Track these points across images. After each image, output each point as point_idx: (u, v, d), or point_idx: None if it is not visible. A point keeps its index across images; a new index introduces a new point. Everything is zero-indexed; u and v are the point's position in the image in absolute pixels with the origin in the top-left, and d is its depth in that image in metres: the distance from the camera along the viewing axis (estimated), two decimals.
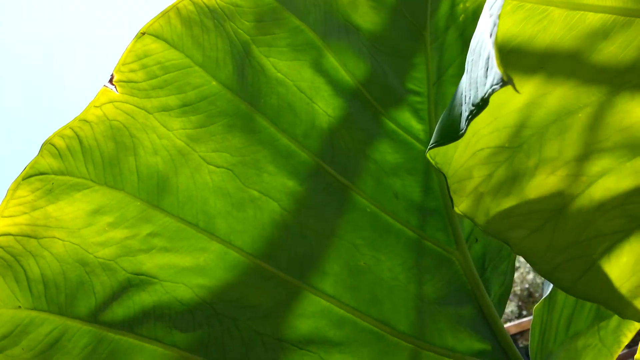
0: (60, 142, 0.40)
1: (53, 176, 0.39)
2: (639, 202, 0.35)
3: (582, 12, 0.28)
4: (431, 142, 0.30)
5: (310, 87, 0.46)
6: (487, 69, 0.24)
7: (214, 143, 0.43)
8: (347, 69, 0.47)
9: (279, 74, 0.45)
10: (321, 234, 0.44)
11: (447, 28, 0.50)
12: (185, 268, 0.42)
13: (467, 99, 0.26)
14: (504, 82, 0.22)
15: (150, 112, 0.42)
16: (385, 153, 0.48)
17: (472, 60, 0.27)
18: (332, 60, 0.46)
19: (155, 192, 0.42)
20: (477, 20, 0.51)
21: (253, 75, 0.44)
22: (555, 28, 0.29)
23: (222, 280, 0.42)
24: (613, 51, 0.29)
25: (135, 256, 0.41)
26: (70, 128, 0.40)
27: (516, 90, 0.21)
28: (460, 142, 0.32)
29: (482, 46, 0.26)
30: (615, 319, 0.63)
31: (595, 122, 0.32)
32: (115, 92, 0.41)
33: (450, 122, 0.28)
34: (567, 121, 0.32)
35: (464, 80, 0.28)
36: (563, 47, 0.29)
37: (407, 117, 0.48)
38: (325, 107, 0.46)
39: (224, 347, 0.41)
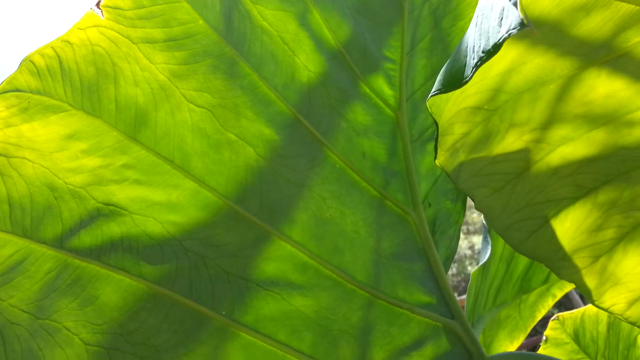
0: (40, 61, 0.38)
1: (30, 95, 0.38)
2: (588, 172, 0.39)
3: None
4: (433, 90, 0.32)
5: (293, 39, 0.46)
6: (501, 19, 0.26)
7: (197, 82, 0.42)
8: (330, 27, 0.47)
9: (264, 23, 0.45)
10: (293, 183, 0.45)
11: (423, 3, 0.52)
12: (157, 203, 0.41)
13: (477, 47, 0.28)
14: (523, 25, 0.24)
15: (135, 42, 0.41)
16: (358, 114, 0.49)
17: (483, 14, 0.29)
18: (317, 17, 0.47)
19: (133, 124, 0.41)
20: (447, 2, 0.54)
21: (239, 20, 0.44)
22: (546, 1, 0.31)
23: (192, 218, 0.42)
24: (591, 28, 0.32)
25: (107, 186, 0.40)
26: (51, 47, 0.38)
27: (536, 32, 0.23)
28: (451, 98, 0.34)
29: (493, 2, 0.28)
30: (534, 294, 0.69)
31: (563, 94, 0.35)
32: (100, 17, 0.40)
33: (454, 71, 0.30)
34: (540, 90, 0.35)
35: (472, 33, 0.30)
36: (549, 20, 0.32)
37: (380, 83, 0.50)
38: (306, 61, 0.47)
39: (191, 281, 0.41)
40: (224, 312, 0.41)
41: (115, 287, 0.39)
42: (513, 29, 0.26)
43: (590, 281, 0.42)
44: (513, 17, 0.26)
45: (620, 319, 0.45)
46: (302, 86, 0.46)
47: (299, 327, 0.43)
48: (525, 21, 0.24)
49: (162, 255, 0.41)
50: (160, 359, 0.39)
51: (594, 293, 0.43)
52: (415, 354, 0.46)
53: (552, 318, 0.74)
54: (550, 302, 0.70)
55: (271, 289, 0.43)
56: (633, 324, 0.44)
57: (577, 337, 0.76)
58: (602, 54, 0.33)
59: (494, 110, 0.36)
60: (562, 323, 0.74)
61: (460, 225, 0.55)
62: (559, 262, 0.42)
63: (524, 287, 0.66)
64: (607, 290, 0.43)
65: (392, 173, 0.50)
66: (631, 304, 0.43)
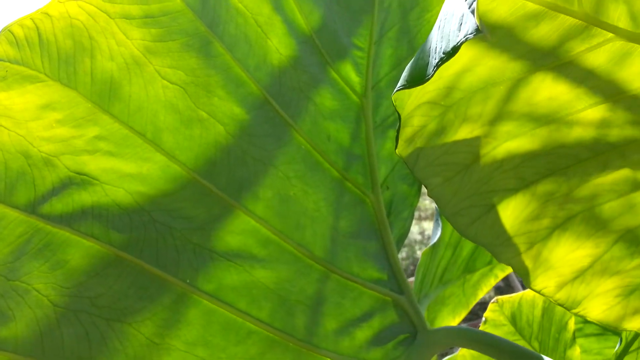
0: (19, 31, 0.38)
1: (8, 64, 0.38)
2: (530, 167, 0.42)
3: (524, 0, 0.33)
4: (398, 85, 0.34)
5: (267, 22, 0.47)
6: (461, 24, 0.28)
7: (171, 59, 0.43)
8: (303, 13, 0.49)
9: (239, 5, 0.46)
10: (260, 161, 0.46)
11: None
12: (128, 174, 0.42)
13: (438, 48, 0.30)
14: (478, 31, 0.26)
15: (112, 17, 0.41)
16: (325, 98, 0.51)
17: (445, 18, 0.31)
18: (290, 2, 0.48)
19: (107, 97, 0.41)
20: None
21: (216, 1, 0.45)
22: (502, 9, 0.33)
23: (162, 191, 0.43)
24: (540, 36, 0.34)
25: (79, 156, 0.41)
26: (31, 19, 0.38)
27: (488, 38, 0.26)
28: (413, 93, 0.36)
29: (455, 7, 0.30)
30: (478, 274, 0.73)
31: (512, 95, 0.38)
32: None
33: (418, 69, 0.32)
34: (491, 90, 0.38)
35: (435, 35, 0.32)
36: (504, 26, 0.34)
37: (348, 69, 0.52)
38: (278, 44, 0.48)
39: (157, 250, 0.42)
40: (188, 280, 0.43)
41: (84, 253, 0.40)
42: (470, 33, 0.28)
43: (525, 265, 0.46)
44: (470, 23, 0.28)
45: (551, 301, 0.48)
46: (274, 69, 0.48)
47: (259, 297, 0.45)
48: (480, 27, 0.27)
49: (131, 225, 0.42)
50: (125, 322, 0.41)
51: (528, 276, 0.46)
52: (364, 325, 0.49)
53: (492, 301, 0.79)
54: (492, 282, 0.75)
55: (234, 261, 0.44)
56: (562, 305, 0.48)
57: (514, 320, 0.81)
58: (549, 61, 0.35)
59: (449, 106, 0.38)
60: (500, 306, 0.79)
61: (414, 208, 0.58)
62: (499, 247, 0.45)
63: (469, 268, 0.70)
64: (540, 274, 0.46)
65: (354, 156, 0.52)
66: (560, 287, 0.47)
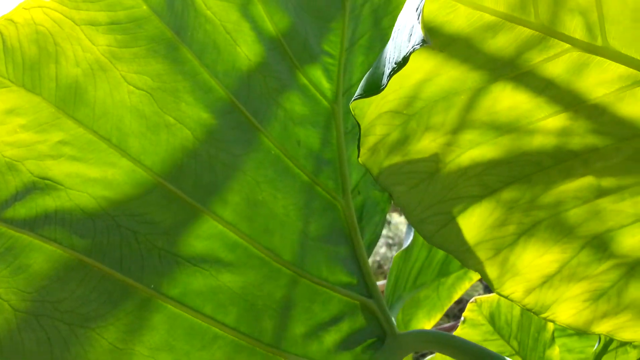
0: None
1: None
2: (494, 174, 0.42)
3: (481, 12, 0.33)
4: (356, 94, 0.34)
5: (236, 29, 0.47)
6: (410, 35, 0.28)
7: (137, 65, 0.43)
8: (272, 20, 0.49)
9: (208, 12, 0.46)
10: (228, 166, 0.46)
11: (364, 2, 0.53)
12: (92, 179, 0.42)
13: (392, 59, 0.30)
14: (424, 42, 0.26)
15: (78, 23, 0.41)
16: (295, 104, 0.51)
17: (399, 30, 0.31)
18: (259, 9, 0.48)
19: (72, 102, 0.41)
20: (388, 3, 0.55)
21: (183, 7, 0.45)
22: (460, 21, 0.33)
23: (127, 196, 0.43)
24: (498, 47, 0.34)
25: (43, 161, 0.41)
26: None
27: (435, 49, 0.26)
28: (373, 102, 0.36)
29: (407, 19, 0.30)
30: (452, 277, 0.74)
31: (473, 104, 0.38)
32: None
33: (374, 78, 0.32)
34: (453, 99, 0.38)
35: (390, 46, 0.32)
36: (462, 37, 0.34)
37: (318, 75, 0.52)
38: (247, 51, 0.48)
39: (122, 255, 0.42)
40: (152, 286, 0.43)
41: (47, 257, 0.40)
42: (417, 44, 0.28)
43: (492, 271, 0.46)
44: (418, 34, 0.28)
45: (518, 306, 0.49)
46: (242, 75, 0.47)
47: (225, 302, 0.45)
48: (426, 38, 0.27)
49: (95, 230, 0.42)
50: (87, 327, 0.40)
51: (495, 282, 0.46)
52: (333, 329, 0.49)
53: (470, 301, 0.79)
54: (466, 285, 0.75)
55: (200, 265, 0.44)
56: (530, 310, 0.48)
57: (492, 320, 0.81)
58: (508, 71, 0.35)
59: (411, 115, 0.38)
60: (479, 305, 0.79)
61: (386, 213, 0.58)
62: (465, 254, 0.45)
63: (443, 271, 0.70)
64: (507, 280, 0.46)
65: (324, 161, 0.52)
66: (528, 292, 0.47)
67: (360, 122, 0.36)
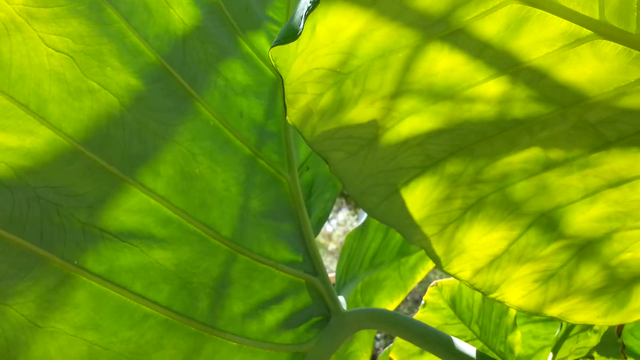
0: None
1: None
2: (436, 144, 0.39)
3: None
4: (274, 42, 0.31)
5: None
6: None
7: (57, 26, 0.39)
8: None
9: None
10: (160, 136, 0.43)
11: None
12: (10, 148, 0.38)
13: (307, 4, 0.28)
14: None
15: None
16: (237, 73, 0.48)
17: None
18: None
19: None
20: None
21: None
22: None
23: (47, 166, 0.39)
24: (428, 2, 0.31)
25: None
26: None
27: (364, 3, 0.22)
28: (300, 55, 0.33)
29: None
30: (414, 257, 0.71)
31: (410, 64, 0.35)
32: None
33: (292, 25, 0.29)
34: (390, 59, 0.35)
35: None
36: None
37: (262, 43, 0.48)
38: (181, 14, 0.44)
39: (42, 229, 0.39)
40: (75, 262, 0.39)
41: None
42: None
43: (438, 248, 0.43)
44: None
45: (466, 285, 0.46)
46: (177, 39, 0.44)
47: (157, 279, 0.42)
48: None
49: (13, 201, 0.38)
50: (5, 303, 0.37)
51: (442, 259, 0.44)
52: (275, 308, 0.46)
53: (431, 284, 0.77)
54: (430, 265, 0.73)
55: (129, 241, 0.41)
56: (478, 290, 0.46)
57: (453, 304, 0.79)
58: (441, 28, 0.32)
59: (347, 74, 0.35)
60: (440, 289, 0.77)
61: (338, 190, 0.55)
62: (409, 229, 0.42)
63: (403, 251, 0.68)
64: (454, 257, 0.44)
65: (269, 134, 0.49)
66: (477, 272, 0.45)
67: (283, 75, 0.33)
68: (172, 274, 0.42)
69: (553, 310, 0.47)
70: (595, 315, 0.48)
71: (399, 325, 0.45)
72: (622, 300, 0.47)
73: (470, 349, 0.43)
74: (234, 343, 0.44)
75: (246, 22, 0.48)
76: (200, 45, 0.45)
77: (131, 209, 0.42)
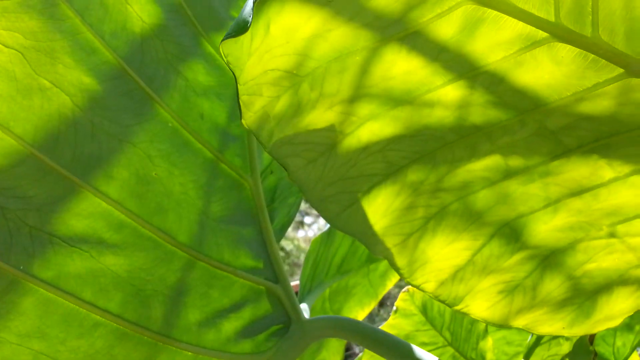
0: None
1: None
2: (397, 150, 0.38)
3: None
4: (225, 36, 0.30)
5: None
6: None
7: (6, 21, 0.38)
8: None
9: None
10: (114, 137, 0.41)
11: None
12: None
13: None
14: None
15: None
16: (198, 73, 0.46)
17: None
18: None
19: None
20: None
21: None
22: None
23: None
24: (384, 2, 0.30)
25: None
26: None
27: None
28: (254, 54, 0.32)
29: None
30: (384, 264, 0.70)
31: (368, 67, 0.34)
32: None
33: (242, 18, 0.28)
34: (347, 61, 0.34)
35: None
36: None
37: None
38: (140, 11, 0.43)
39: None
40: (21, 267, 0.38)
41: None
42: None
43: (401, 259, 0.42)
44: None
45: (431, 297, 0.45)
46: (135, 37, 0.43)
47: (108, 286, 0.40)
48: None
49: None
50: None
51: (405, 271, 0.43)
52: (233, 316, 0.45)
53: (403, 290, 0.76)
54: None
55: (78, 246, 0.39)
56: (443, 302, 0.45)
57: (424, 310, 0.78)
58: (398, 30, 0.32)
59: (303, 77, 0.34)
60: (411, 295, 0.76)
61: (302, 195, 0.54)
62: (371, 238, 0.41)
63: (372, 258, 0.67)
64: (417, 268, 0.43)
65: (231, 137, 0.48)
66: (441, 283, 0.44)
67: (236, 73, 0.32)
68: (125, 281, 0.41)
69: (518, 322, 0.47)
70: (561, 326, 0.47)
71: (359, 333, 0.44)
72: (587, 311, 0.47)
73: (430, 357, 0.42)
74: (190, 353, 0.42)
75: (209, 22, 0.46)
76: (159, 44, 0.44)
77: (82, 212, 0.40)
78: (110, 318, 0.40)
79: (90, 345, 0.39)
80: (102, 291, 0.40)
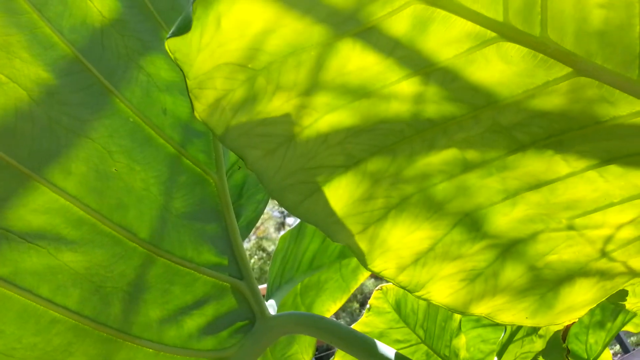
0: None
1: None
2: (356, 143, 0.38)
3: None
4: (169, 33, 0.30)
5: None
6: None
7: None
8: None
9: None
10: (73, 133, 0.41)
11: None
12: None
13: None
14: None
15: None
16: (161, 69, 0.46)
17: None
18: None
19: None
20: None
21: None
22: None
23: None
24: None
25: None
26: None
27: None
28: (204, 49, 0.32)
29: None
30: (355, 260, 0.71)
31: (323, 62, 0.34)
32: None
33: (186, 15, 0.29)
34: (302, 56, 0.34)
35: None
36: None
37: None
38: (100, 6, 0.43)
39: None
40: None
41: None
42: None
43: (362, 246, 0.43)
44: None
45: (392, 283, 0.46)
46: (94, 32, 0.42)
47: (66, 283, 0.40)
48: None
49: None
50: None
51: (366, 258, 0.43)
52: (196, 313, 0.44)
53: (377, 288, 0.76)
54: None
55: (36, 242, 0.39)
56: (404, 288, 0.45)
57: (398, 307, 0.78)
58: (352, 26, 0.32)
59: (258, 70, 0.35)
60: (385, 293, 0.76)
61: None
62: (332, 227, 0.42)
63: (344, 253, 0.67)
64: (378, 255, 0.43)
65: (195, 133, 0.48)
66: (401, 269, 0.44)
67: (185, 69, 0.32)
68: (83, 277, 0.40)
69: (480, 309, 0.47)
70: (524, 316, 0.48)
71: (323, 329, 0.45)
72: (549, 302, 0.47)
73: (391, 352, 0.42)
74: (151, 350, 0.42)
75: (172, 18, 0.46)
76: (120, 39, 0.43)
77: (39, 208, 0.40)
78: (68, 315, 0.40)
79: (47, 342, 0.39)
80: (59, 288, 0.40)
